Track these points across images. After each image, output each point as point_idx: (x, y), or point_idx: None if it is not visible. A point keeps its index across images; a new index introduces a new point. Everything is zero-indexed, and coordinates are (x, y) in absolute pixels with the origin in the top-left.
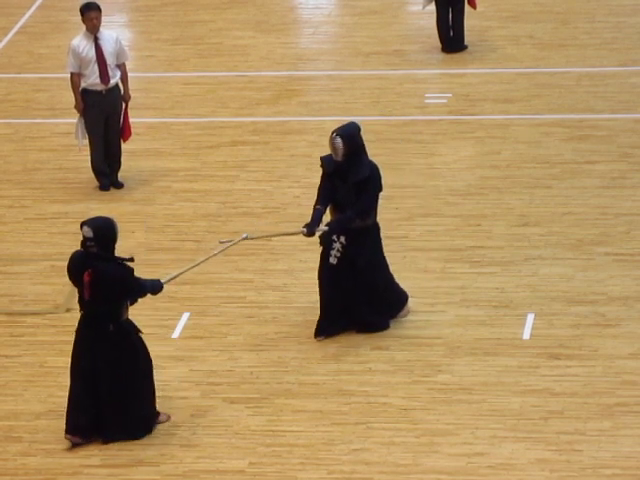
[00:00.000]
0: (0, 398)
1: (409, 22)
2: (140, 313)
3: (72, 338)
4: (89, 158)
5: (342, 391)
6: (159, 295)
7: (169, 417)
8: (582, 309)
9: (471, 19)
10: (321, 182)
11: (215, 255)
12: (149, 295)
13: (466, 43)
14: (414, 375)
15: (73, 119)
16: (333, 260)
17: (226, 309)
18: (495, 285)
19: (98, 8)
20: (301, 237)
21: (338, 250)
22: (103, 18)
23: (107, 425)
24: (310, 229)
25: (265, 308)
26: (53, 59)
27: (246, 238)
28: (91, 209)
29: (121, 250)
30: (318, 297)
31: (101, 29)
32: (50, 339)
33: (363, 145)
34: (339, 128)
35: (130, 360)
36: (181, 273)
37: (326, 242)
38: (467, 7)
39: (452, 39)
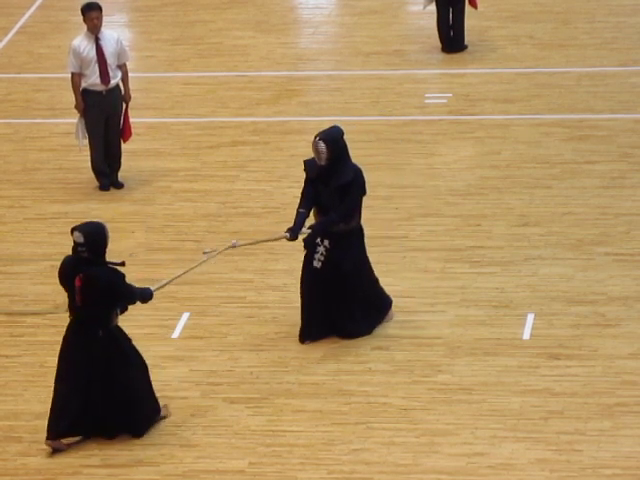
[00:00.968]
0: (0, 398)
1: (409, 22)
2: (140, 313)
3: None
4: (89, 158)
5: (342, 391)
6: (153, 300)
7: (167, 409)
8: (582, 309)
9: (471, 19)
10: (304, 186)
11: (202, 263)
12: (138, 303)
13: (466, 43)
14: (414, 375)
15: (73, 119)
16: (317, 264)
17: (226, 309)
18: (495, 285)
19: (99, 8)
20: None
21: (322, 254)
22: (104, 18)
23: (108, 425)
24: (293, 233)
25: (265, 308)
26: (53, 59)
27: (234, 246)
28: (91, 209)
29: (121, 250)
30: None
31: (102, 29)
32: (50, 339)
33: (346, 149)
34: (322, 132)
35: (121, 365)
36: (170, 281)
37: (310, 246)
38: (468, 7)
39: (452, 39)
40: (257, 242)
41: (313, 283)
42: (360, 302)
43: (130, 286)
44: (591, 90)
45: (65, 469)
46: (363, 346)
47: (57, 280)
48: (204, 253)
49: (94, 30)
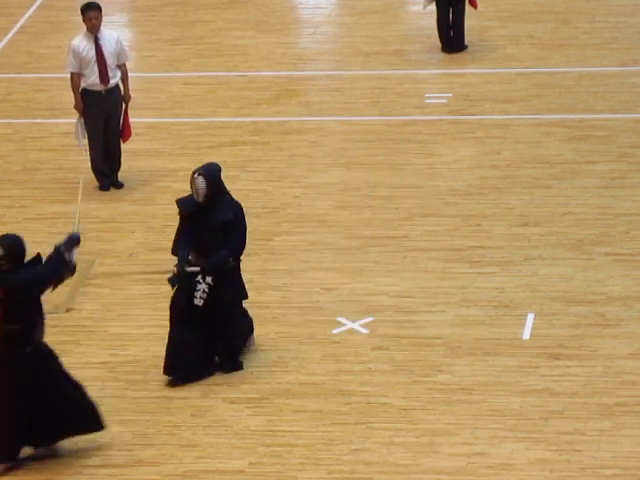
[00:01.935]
0: None
1: (409, 22)
2: (140, 313)
3: (72, 338)
4: (88, 158)
5: (342, 391)
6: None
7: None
8: (582, 309)
9: (471, 19)
10: (180, 225)
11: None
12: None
13: (466, 43)
14: (414, 375)
15: (73, 119)
16: (199, 302)
17: None
18: (495, 285)
19: (98, 8)
20: (301, 237)
21: (204, 291)
22: (104, 18)
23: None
24: (181, 270)
25: (265, 308)
26: (53, 59)
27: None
28: (91, 209)
29: (121, 250)
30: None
31: (102, 29)
32: (50, 339)
33: (224, 186)
34: (200, 168)
35: (52, 380)
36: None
37: (190, 283)
38: (468, 7)
39: (452, 39)
40: (142, 273)
41: (192, 320)
42: (235, 335)
43: (48, 261)
44: (591, 90)
45: (65, 469)
46: (363, 346)
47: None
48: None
49: (93, 30)
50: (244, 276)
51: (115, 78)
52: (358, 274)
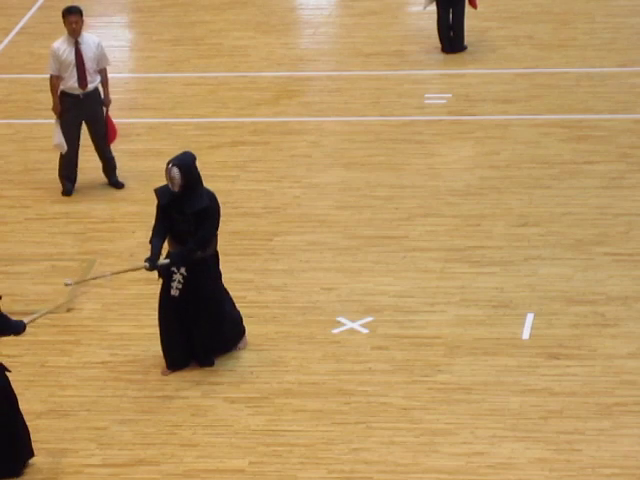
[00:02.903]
0: None
1: (409, 23)
2: (140, 313)
3: (73, 338)
4: (57, 159)
5: (342, 391)
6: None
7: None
8: (581, 309)
9: (471, 19)
10: (157, 215)
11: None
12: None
13: (466, 43)
14: (414, 375)
15: None
16: (174, 292)
17: None
18: (495, 285)
19: (79, 12)
20: (301, 237)
21: (179, 282)
22: (105, 19)
23: None
24: (152, 263)
25: (265, 308)
26: None
27: (95, 278)
28: (91, 209)
29: (121, 250)
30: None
31: (84, 33)
32: (51, 339)
33: (199, 175)
34: (175, 158)
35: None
36: (41, 315)
37: (166, 274)
38: (468, 7)
39: (452, 39)
40: (117, 273)
41: (172, 311)
42: (218, 328)
43: (4, 317)
44: (590, 90)
45: (66, 468)
46: (363, 346)
47: (57, 280)
48: (66, 285)
49: (73, 34)
50: (244, 276)
51: (94, 82)
52: (358, 274)
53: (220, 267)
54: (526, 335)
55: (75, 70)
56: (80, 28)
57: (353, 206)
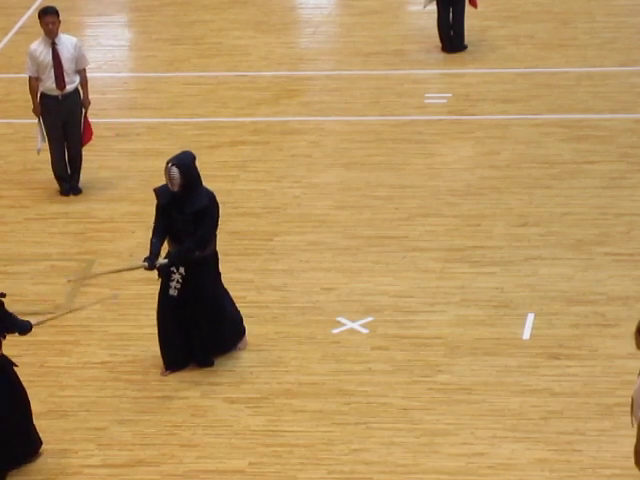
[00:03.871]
0: None
1: (409, 22)
2: (140, 313)
3: (73, 338)
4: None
5: (342, 391)
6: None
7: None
8: (582, 309)
9: (471, 19)
10: (156, 214)
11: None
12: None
13: (466, 43)
14: (414, 375)
15: None
16: (173, 292)
17: None
18: (495, 285)
19: (56, 13)
20: (301, 237)
21: (178, 281)
22: (104, 18)
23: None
24: (151, 262)
25: (265, 308)
26: None
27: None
28: (91, 209)
29: (121, 250)
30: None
31: (61, 34)
32: (50, 339)
33: (199, 174)
34: (174, 158)
35: (8, 394)
36: (52, 318)
37: (165, 274)
38: (468, 7)
39: (452, 39)
40: (115, 271)
41: (171, 311)
42: (217, 328)
43: (11, 315)
44: (591, 90)
45: (65, 469)
46: (363, 346)
47: (57, 280)
48: (68, 281)
49: (50, 35)
50: (244, 276)
51: (73, 83)
52: (358, 274)
53: (220, 267)
54: (526, 335)
55: (52, 71)
56: (57, 29)
57: (353, 206)
